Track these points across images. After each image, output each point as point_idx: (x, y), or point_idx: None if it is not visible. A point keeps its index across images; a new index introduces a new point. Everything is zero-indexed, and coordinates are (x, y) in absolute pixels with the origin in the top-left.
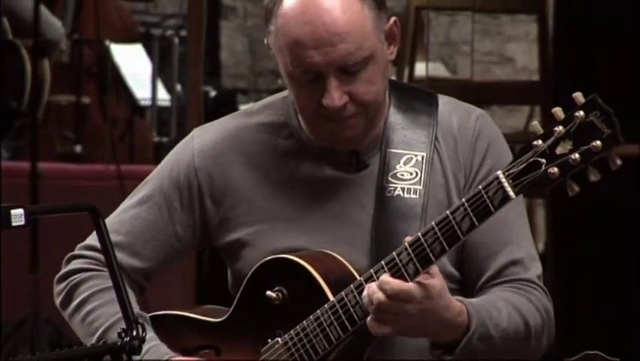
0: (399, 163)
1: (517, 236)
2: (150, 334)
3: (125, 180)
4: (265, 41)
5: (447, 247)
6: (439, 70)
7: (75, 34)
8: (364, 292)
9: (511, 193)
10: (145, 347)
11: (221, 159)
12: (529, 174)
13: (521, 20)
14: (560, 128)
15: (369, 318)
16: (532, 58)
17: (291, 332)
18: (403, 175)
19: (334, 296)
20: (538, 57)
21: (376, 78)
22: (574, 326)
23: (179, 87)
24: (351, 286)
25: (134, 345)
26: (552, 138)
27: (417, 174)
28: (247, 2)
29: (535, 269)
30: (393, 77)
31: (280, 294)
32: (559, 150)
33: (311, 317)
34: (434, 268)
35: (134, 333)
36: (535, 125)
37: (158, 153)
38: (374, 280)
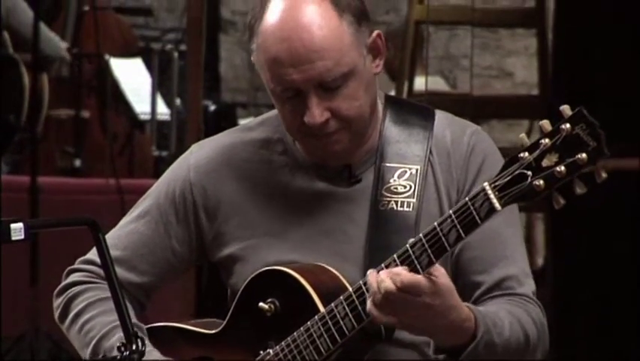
0: (393, 177)
1: (512, 252)
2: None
3: (124, 194)
4: (252, 58)
5: (434, 259)
6: (438, 84)
7: (75, 48)
8: (369, 280)
9: (497, 205)
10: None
11: (216, 175)
12: (515, 186)
13: (521, 34)
14: (546, 140)
15: (371, 306)
16: (531, 72)
17: (282, 343)
18: (397, 188)
19: (325, 308)
20: (537, 71)
21: (358, 93)
22: (573, 341)
23: (178, 101)
24: (341, 297)
25: (134, 359)
26: (538, 151)
27: (411, 187)
28: (246, 17)
29: (530, 285)
30: (393, 91)
31: (272, 305)
32: (545, 163)
33: (301, 328)
34: (440, 270)
35: (134, 347)
36: (523, 137)
37: (158, 167)
38: (363, 293)
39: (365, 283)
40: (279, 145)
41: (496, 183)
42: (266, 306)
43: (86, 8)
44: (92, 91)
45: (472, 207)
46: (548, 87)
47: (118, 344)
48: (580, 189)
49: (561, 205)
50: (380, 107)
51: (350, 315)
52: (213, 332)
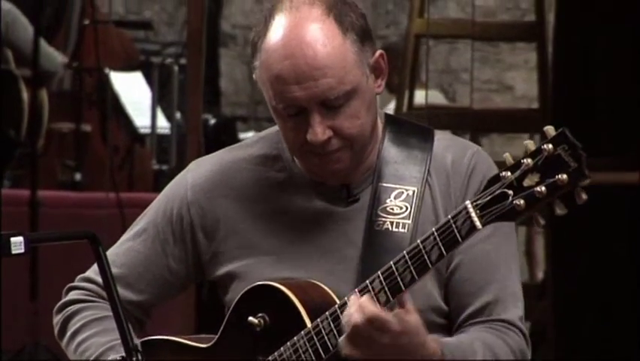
0: (389, 197)
1: (503, 276)
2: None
3: (124, 208)
4: (254, 76)
5: (416, 277)
6: (438, 98)
7: (75, 61)
8: (346, 311)
9: (478, 224)
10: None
11: (214, 193)
12: (496, 205)
13: (521, 48)
14: (529, 160)
15: (342, 337)
16: (531, 86)
17: (269, 357)
18: (392, 209)
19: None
20: (537, 85)
21: (360, 112)
22: (574, 354)
23: (178, 115)
24: (327, 313)
25: None
26: (519, 170)
27: (407, 208)
28: (247, 30)
29: (517, 310)
30: (392, 104)
31: (262, 320)
32: (526, 183)
33: (288, 343)
34: (410, 306)
35: (134, 360)
36: (507, 156)
37: (158, 181)
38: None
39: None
40: (277, 162)
41: (478, 202)
42: (255, 321)
43: (87, 22)
44: (92, 105)
45: (453, 226)
46: (548, 101)
47: (118, 358)
48: (560, 210)
49: (541, 225)
50: (380, 126)
51: (334, 330)
52: (205, 345)
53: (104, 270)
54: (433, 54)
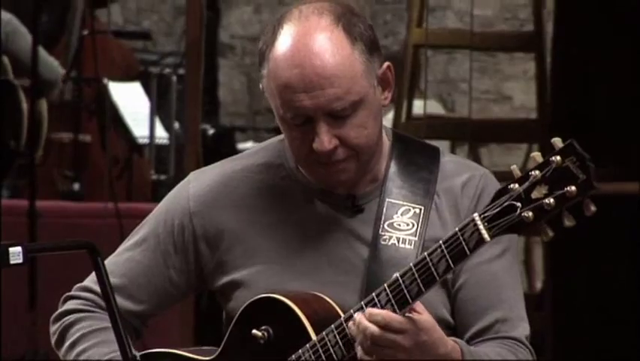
0: (396, 213)
1: (508, 296)
2: None
3: (123, 218)
4: (260, 86)
5: (423, 289)
6: (436, 108)
7: (74, 71)
8: (353, 327)
9: (486, 236)
10: None
11: (217, 203)
12: (505, 218)
13: (519, 58)
14: (537, 172)
15: (362, 354)
16: (530, 96)
17: None
18: (399, 225)
19: (317, 336)
20: (536, 95)
21: (368, 122)
22: None
23: (177, 125)
24: (332, 326)
25: None
26: (527, 182)
27: (413, 225)
28: (245, 41)
29: (523, 329)
30: (391, 114)
31: (266, 333)
32: (534, 195)
33: (293, 356)
34: (420, 305)
35: None
36: (514, 168)
37: (157, 191)
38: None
39: (355, 312)
40: (281, 170)
41: (486, 214)
42: (259, 333)
43: (85, 32)
44: (91, 115)
45: (461, 238)
46: (547, 111)
47: None
48: (569, 222)
49: (550, 237)
50: (387, 143)
51: (340, 343)
52: (207, 358)
53: (103, 280)
54: (431, 64)
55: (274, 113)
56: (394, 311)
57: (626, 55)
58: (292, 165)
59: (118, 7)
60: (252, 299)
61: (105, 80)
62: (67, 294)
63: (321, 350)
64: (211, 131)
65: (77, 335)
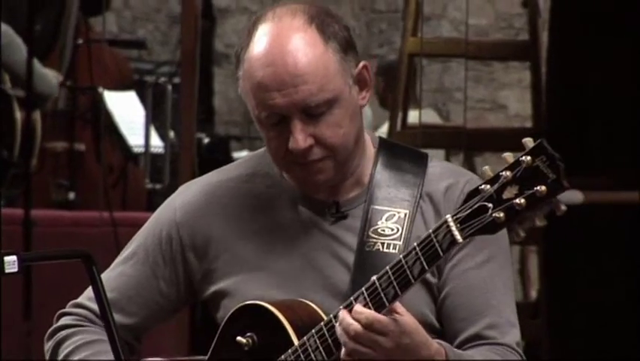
0: (381, 219)
1: (498, 302)
2: None
3: (118, 227)
4: (239, 90)
5: (400, 292)
6: (431, 117)
7: (69, 81)
8: (337, 326)
9: (459, 237)
10: None
11: (203, 213)
12: (477, 219)
13: (514, 67)
14: (507, 173)
15: (343, 353)
16: (525, 105)
17: None
18: (384, 231)
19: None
20: (531, 104)
21: (343, 121)
22: None
23: (172, 134)
24: (313, 331)
25: None
26: (498, 183)
27: (398, 230)
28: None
29: (514, 335)
30: (386, 124)
31: (250, 340)
32: (505, 195)
33: None
34: (402, 308)
35: None
36: (486, 169)
37: (152, 200)
38: (334, 325)
39: (335, 317)
40: (267, 179)
41: (458, 216)
42: (244, 340)
43: (80, 41)
44: (86, 124)
45: (434, 240)
46: (542, 120)
47: None
48: (540, 222)
49: (521, 238)
50: (373, 150)
51: (321, 348)
52: None
53: (98, 289)
54: (426, 73)
55: (251, 115)
56: None
57: (620, 63)
58: (277, 172)
59: (113, 16)
60: (237, 306)
61: (100, 89)
62: (61, 311)
63: (302, 355)
64: (206, 140)
65: (70, 348)
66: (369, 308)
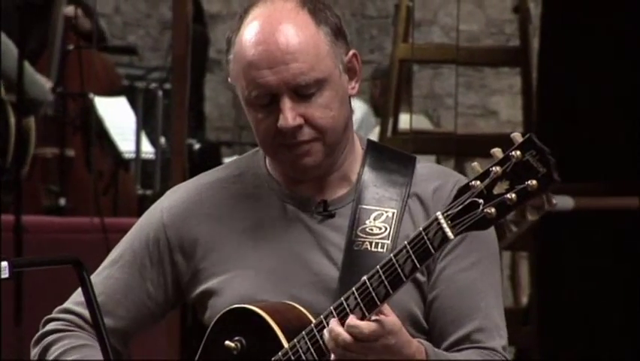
0: (369, 218)
1: (486, 305)
2: None
3: (108, 233)
4: (229, 79)
5: (391, 291)
6: (422, 122)
7: (59, 87)
8: (326, 335)
9: (450, 234)
10: None
11: (190, 213)
12: (468, 215)
13: (505, 73)
14: (497, 168)
15: (332, 357)
16: (515, 111)
17: None
18: (372, 230)
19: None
20: (522, 110)
21: (333, 104)
22: None
23: (163, 140)
24: (303, 332)
25: None
26: (488, 179)
27: (386, 229)
28: None
29: (501, 339)
30: (377, 129)
31: (239, 344)
32: (496, 190)
33: None
34: (387, 308)
35: None
36: (475, 165)
37: (142, 206)
38: (324, 327)
39: (326, 318)
40: (254, 178)
41: (449, 212)
42: (232, 344)
43: (70, 47)
44: (76, 130)
45: (425, 237)
46: (533, 126)
47: None
48: (532, 216)
49: (513, 233)
50: (361, 150)
51: (312, 349)
52: None
53: (89, 295)
54: (417, 79)
55: (241, 102)
56: (363, 314)
57: (610, 69)
58: (265, 171)
59: (104, 22)
60: (225, 310)
61: (91, 95)
62: (48, 317)
63: (293, 358)
64: (197, 146)
65: (57, 352)
66: (361, 308)
